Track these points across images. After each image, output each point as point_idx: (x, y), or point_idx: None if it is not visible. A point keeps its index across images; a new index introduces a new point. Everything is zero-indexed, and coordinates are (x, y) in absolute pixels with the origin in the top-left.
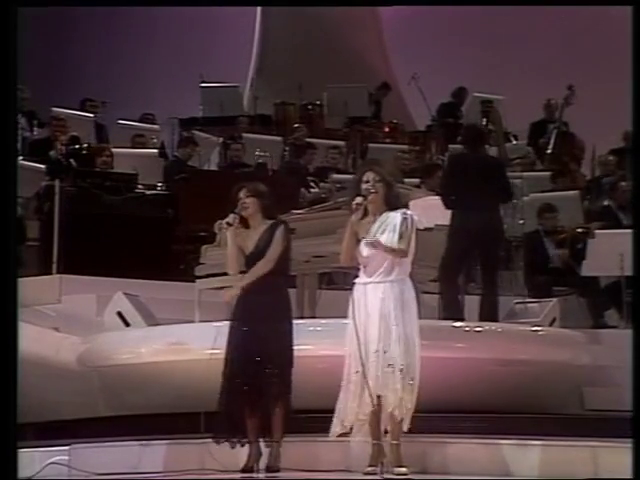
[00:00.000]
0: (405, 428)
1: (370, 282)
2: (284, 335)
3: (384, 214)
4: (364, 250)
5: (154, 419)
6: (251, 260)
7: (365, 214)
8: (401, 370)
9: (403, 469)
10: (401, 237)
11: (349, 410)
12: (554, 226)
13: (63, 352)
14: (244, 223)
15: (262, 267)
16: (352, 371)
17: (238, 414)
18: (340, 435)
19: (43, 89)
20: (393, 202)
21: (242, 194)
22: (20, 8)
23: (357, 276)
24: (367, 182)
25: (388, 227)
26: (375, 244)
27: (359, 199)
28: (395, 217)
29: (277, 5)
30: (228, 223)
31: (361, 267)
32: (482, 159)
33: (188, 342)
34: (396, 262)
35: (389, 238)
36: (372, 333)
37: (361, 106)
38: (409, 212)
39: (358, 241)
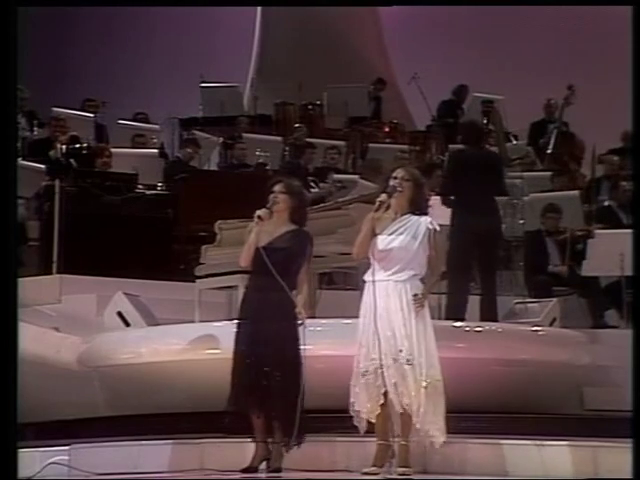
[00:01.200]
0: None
1: (384, 280)
2: (289, 334)
3: (407, 215)
4: (381, 244)
5: (154, 419)
6: (260, 255)
7: (386, 209)
8: (413, 368)
9: (404, 469)
10: (420, 244)
11: (363, 406)
12: (556, 226)
13: (63, 352)
14: (271, 217)
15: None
16: (361, 370)
17: (246, 413)
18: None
19: (43, 89)
20: (418, 204)
21: (277, 188)
22: (20, 8)
23: (369, 273)
24: (395, 179)
25: (408, 230)
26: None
27: (383, 196)
28: (419, 223)
29: (277, 5)
30: (260, 217)
31: (373, 262)
32: (482, 156)
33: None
34: (416, 264)
35: (404, 241)
36: (385, 331)
37: (361, 106)
38: (435, 223)
39: (374, 235)
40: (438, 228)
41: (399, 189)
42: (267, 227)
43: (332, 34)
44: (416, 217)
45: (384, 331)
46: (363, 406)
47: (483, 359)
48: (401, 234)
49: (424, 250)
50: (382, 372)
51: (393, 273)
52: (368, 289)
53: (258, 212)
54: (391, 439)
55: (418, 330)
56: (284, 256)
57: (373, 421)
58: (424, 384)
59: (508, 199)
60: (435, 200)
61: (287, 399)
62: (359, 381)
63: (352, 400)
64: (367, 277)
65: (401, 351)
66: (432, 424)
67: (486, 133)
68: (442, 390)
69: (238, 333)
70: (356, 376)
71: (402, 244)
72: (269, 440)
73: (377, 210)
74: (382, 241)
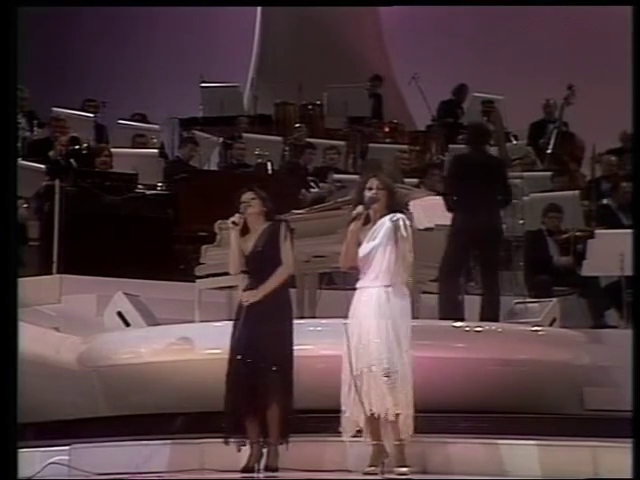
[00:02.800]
0: (405, 434)
1: (366, 287)
2: (284, 335)
3: (379, 220)
4: (361, 253)
5: (154, 419)
6: (250, 260)
7: (367, 221)
8: (390, 375)
9: (403, 469)
10: (396, 242)
11: (352, 411)
12: (557, 226)
13: (63, 352)
14: (244, 226)
15: (283, 273)
16: (345, 373)
17: (241, 414)
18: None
19: (43, 89)
20: (393, 208)
21: (246, 197)
22: (20, 8)
23: (357, 279)
24: (371, 189)
25: (380, 233)
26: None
27: (360, 209)
28: (384, 223)
29: (277, 5)
30: (234, 222)
31: (358, 271)
32: (485, 158)
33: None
34: (391, 268)
35: (379, 244)
36: (364, 336)
37: (361, 106)
38: (399, 215)
39: (359, 245)
40: (406, 222)
41: (376, 199)
42: (248, 234)
43: (332, 34)
44: (384, 219)
45: (361, 339)
46: (349, 410)
47: (483, 359)
48: (375, 239)
49: (402, 251)
50: (360, 378)
51: (374, 279)
52: (355, 296)
53: (232, 218)
54: (384, 440)
55: (398, 338)
56: (269, 250)
57: (361, 425)
58: (399, 390)
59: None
60: (435, 201)
61: (282, 399)
62: (343, 387)
63: (343, 407)
64: (357, 285)
65: (379, 359)
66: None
67: (490, 135)
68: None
69: (233, 334)
70: (342, 382)
71: (376, 248)
72: (264, 440)
73: (354, 221)
74: (362, 250)
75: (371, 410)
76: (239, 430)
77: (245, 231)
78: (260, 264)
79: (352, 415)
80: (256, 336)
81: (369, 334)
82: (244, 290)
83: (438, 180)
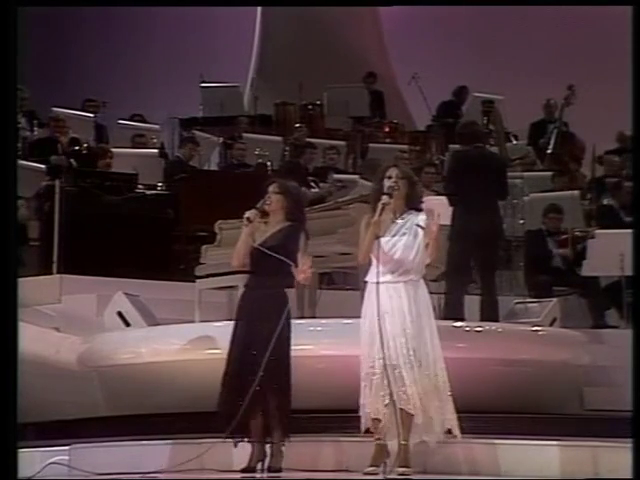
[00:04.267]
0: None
1: (393, 281)
2: (282, 333)
3: (405, 214)
4: (386, 247)
5: (154, 419)
6: (256, 252)
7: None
8: (421, 369)
9: (404, 469)
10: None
11: (371, 406)
12: (557, 227)
13: (63, 352)
14: (265, 217)
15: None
16: (365, 370)
17: (243, 414)
18: (367, 431)
19: (43, 89)
20: (414, 202)
21: (270, 189)
22: (20, 8)
23: (374, 274)
24: (390, 178)
25: (409, 230)
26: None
27: (386, 199)
28: (418, 221)
29: (277, 5)
30: (248, 219)
31: (378, 265)
32: (483, 156)
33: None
34: (414, 262)
35: (408, 241)
36: (388, 331)
37: (361, 106)
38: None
39: (377, 238)
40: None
41: (395, 188)
42: (263, 226)
43: (332, 34)
44: (413, 215)
45: (391, 332)
46: (371, 407)
47: (483, 359)
48: (404, 234)
49: (425, 248)
50: (387, 373)
51: (401, 274)
52: (373, 291)
53: (247, 214)
54: (388, 439)
55: (427, 330)
56: (279, 252)
57: (380, 418)
58: (433, 383)
59: (508, 199)
60: (436, 200)
61: (281, 398)
62: (365, 382)
63: (362, 402)
64: (371, 279)
65: (410, 353)
66: (451, 421)
67: (485, 133)
68: (448, 388)
69: (234, 333)
70: (362, 378)
71: (407, 244)
72: (266, 440)
73: (381, 214)
74: (386, 243)
75: (389, 403)
76: (238, 430)
77: (265, 222)
78: (265, 260)
79: (371, 410)
80: (253, 334)
81: (401, 327)
82: (246, 285)
83: (433, 179)
